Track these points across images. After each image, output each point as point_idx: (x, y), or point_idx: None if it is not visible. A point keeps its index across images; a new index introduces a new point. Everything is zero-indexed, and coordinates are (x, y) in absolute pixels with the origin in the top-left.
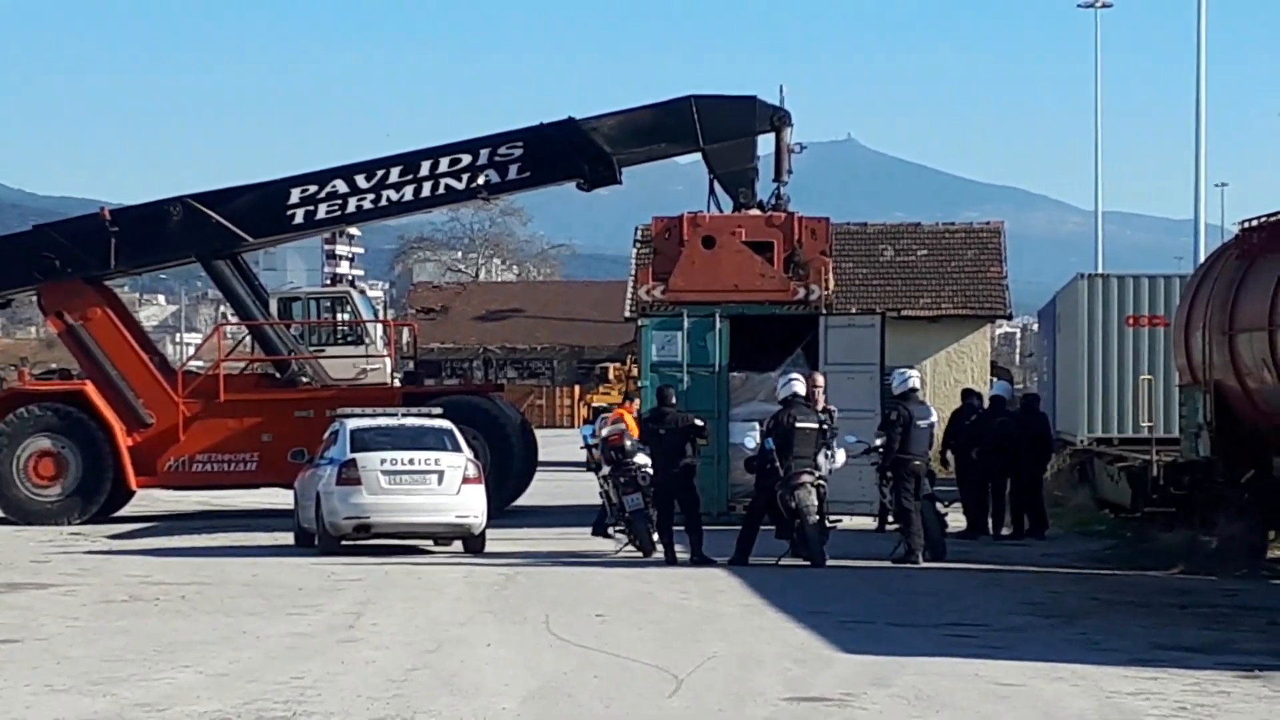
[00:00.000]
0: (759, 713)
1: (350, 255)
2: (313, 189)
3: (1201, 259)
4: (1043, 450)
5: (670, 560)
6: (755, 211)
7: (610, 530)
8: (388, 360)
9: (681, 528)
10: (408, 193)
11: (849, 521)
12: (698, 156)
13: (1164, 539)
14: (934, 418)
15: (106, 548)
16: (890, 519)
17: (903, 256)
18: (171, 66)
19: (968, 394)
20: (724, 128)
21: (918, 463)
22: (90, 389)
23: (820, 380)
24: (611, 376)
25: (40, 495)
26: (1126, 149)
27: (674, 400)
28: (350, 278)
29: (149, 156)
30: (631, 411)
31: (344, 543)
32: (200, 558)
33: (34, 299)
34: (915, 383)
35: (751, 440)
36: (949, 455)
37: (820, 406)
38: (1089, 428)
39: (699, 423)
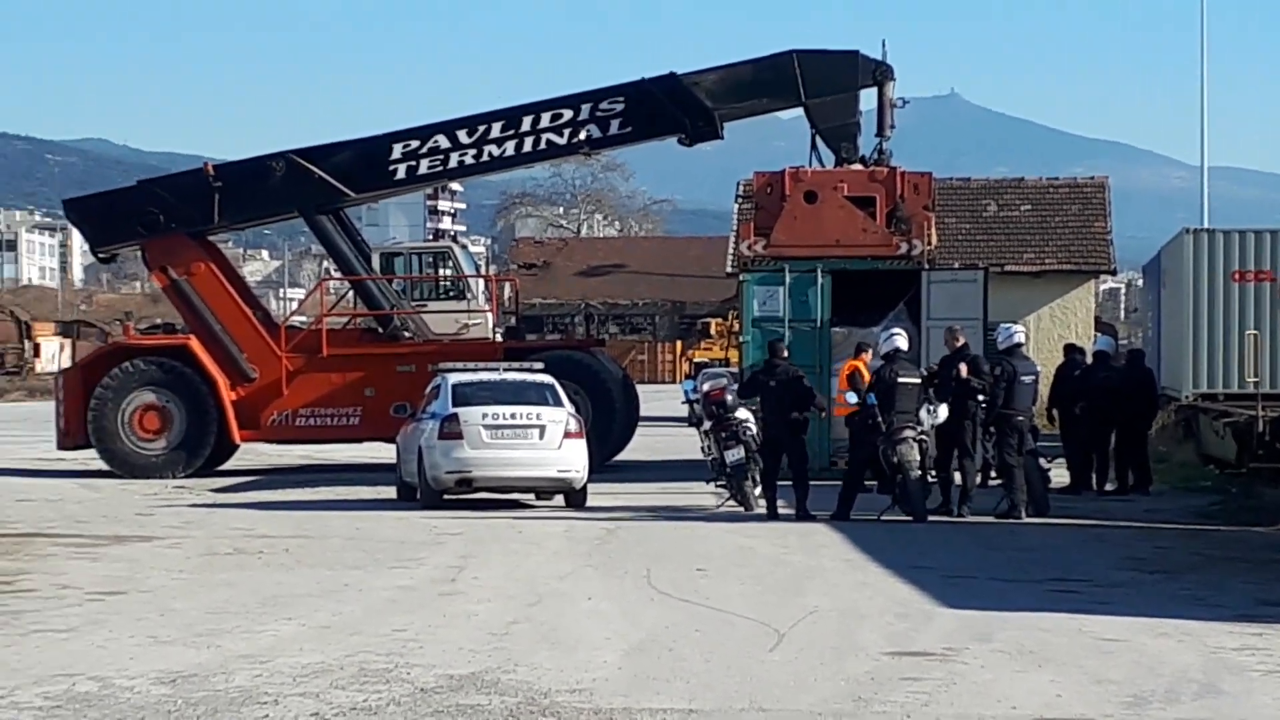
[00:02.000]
0: (860, 667)
1: (452, 210)
2: (415, 144)
3: None
4: (1149, 405)
5: (772, 515)
6: (857, 166)
7: (711, 484)
8: (489, 315)
9: (786, 482)
10: (509, 148)
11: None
12: (799, 111)
13: (1269, 494)
14: (1038, 373)
15: (210, 501)
16: (993, 474)
17: (1006, 211)
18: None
19: (1071, 349)
20: (826, 82)
21: (1021, 418)
22: (194, 343)
23: (963, 338)
24: (713, 332)
25: (145, 449)
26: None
27: (785, 354)
28: (452, 233)
29: (253, 112)
30: (865, 362)
31: (445, 497)
32: (303, 511)
33: (139, 254)
34: (1020, 338)
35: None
36: (1053, 411)
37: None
38: (1194, 383)
39: (808, 383)
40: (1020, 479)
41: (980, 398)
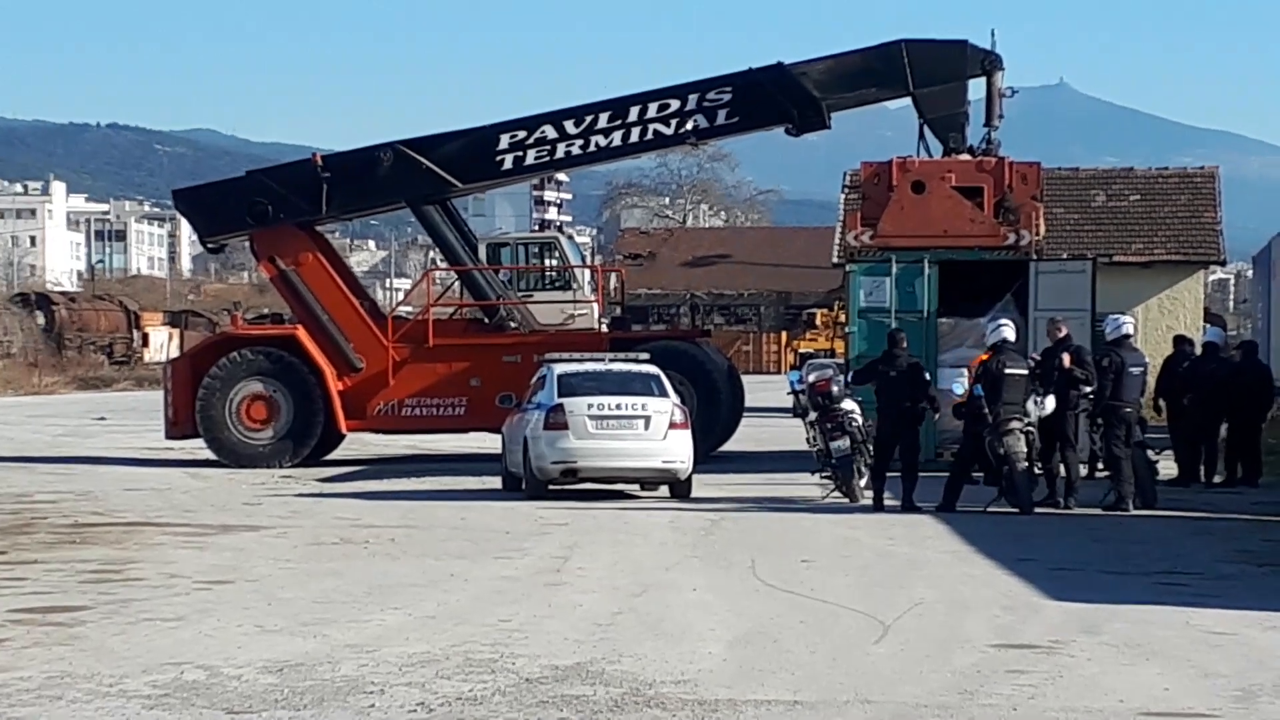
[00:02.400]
0: (967, 659)
1: (558, 201)
2: (522, 135)
3: None
4: (1264, 398)
5: (878, 506)
6: (965, 156)
7: (816, 476)
8: (595, 305)
9: (894, 474)
10: (616, 138)
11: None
12: (907, 101)
13: None
14: (1146, 364)
15: (317, 490)
16: (1100, 466)
17: (1114, 201)
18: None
19: (1180, 340)
20: (934, 72)
21: (1128, 410)
22: (301, 333)
23: (1064, 329)
24: (819, 322)
25: (252, 438)
26: None
27: (905, 344)
28: (558, 223)
29: (361, 104)
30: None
31: (551, 487)
32: (409, 501)
33: (247, 244)
34: (1128, 329)
35: (960, 386)
36: (1161, 402)
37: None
38: None
39: (927, 376)
40: (1128, 471)
41: (1085, 389)
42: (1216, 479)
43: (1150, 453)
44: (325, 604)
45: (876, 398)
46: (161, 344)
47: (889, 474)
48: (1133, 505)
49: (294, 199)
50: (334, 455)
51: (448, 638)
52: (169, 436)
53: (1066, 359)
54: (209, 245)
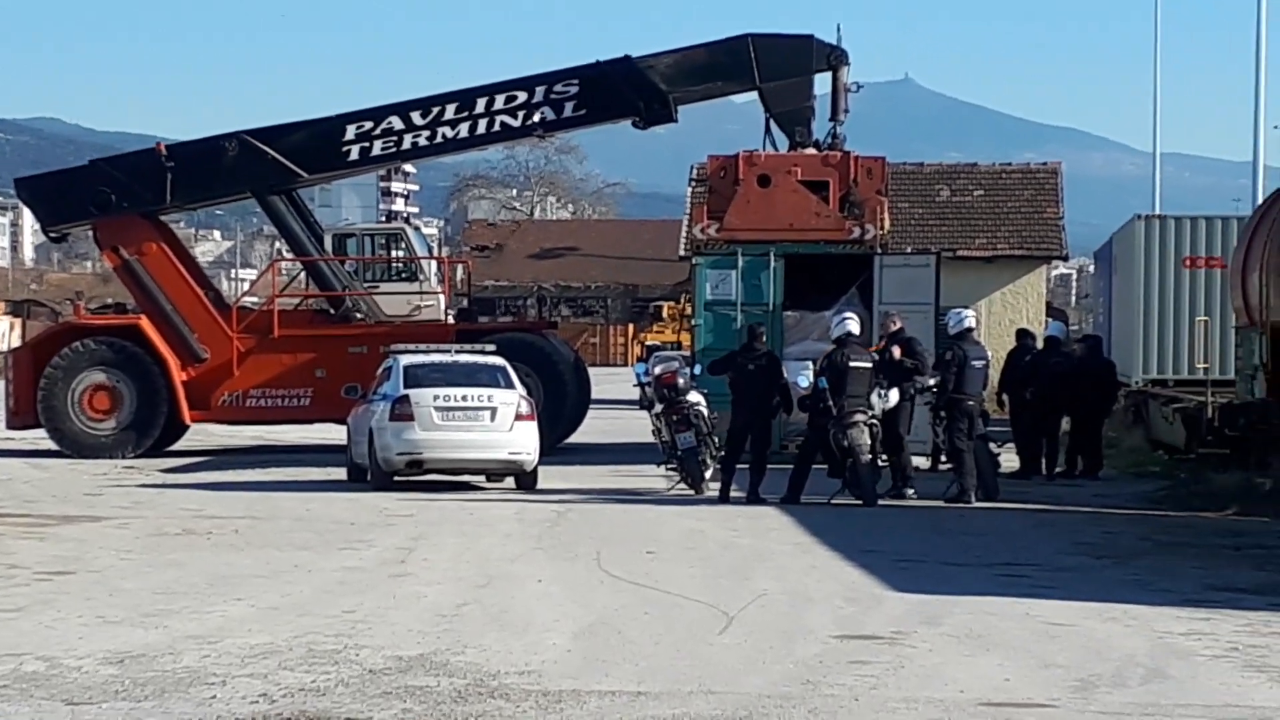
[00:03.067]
0: (809, 650)
1: (405, 192)
2: (368, 125)
3: (1260, 201)
4: (1108, 393)
5: (724, 497)
6: (811, 151)
7: (662, 467)
8: (442, 297)
9: (743, 465)
10: (463, 130)
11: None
12: (754, 95)
13: (1218, 480)
14: (988, 358)
15: (160, 481)
16: (943, 459)
17: (959, 197)
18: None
19: (1022, 334)
20: (780, 66)
21: (971, 403)
22: (145, 323)
23: (897, 323)
24: (665, 315)
25: (95, 429)
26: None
27: (764, 338)
28: (405, 214)
29: (206, 93)
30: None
31: (396, 478)
32: (253, 492)
33: (90, 234)
34: (971, 322)
35: (805, 379)
36: (1003, 396)
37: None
38: (1144, 369)
39: (784, 372)
40: (970, 463)
41: (925, 380)
42: (1058, 472)
43: (992, 446)
44: (167, 595)
45: (732, 390)
46: (3, 334)
47: (738, 466)
48: (975, 497)
49: (138, 188)
50: (178, 446)
51: (291, 629)
52: (10, 426)
53: (897, 350)
54: (52, 234)
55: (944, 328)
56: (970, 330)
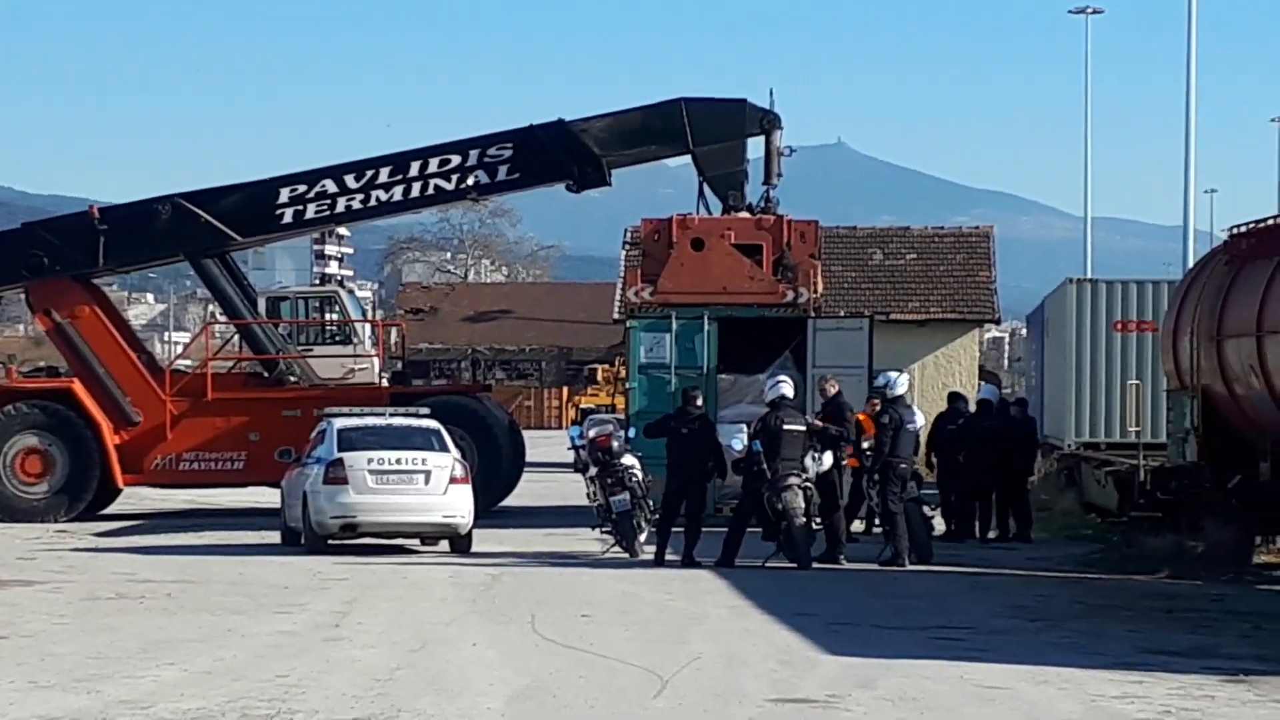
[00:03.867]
0: (743, 713)
1: (339, 255)
2: (302, 189)
3: (1191, 265)
4: (1029, 454)
5: (660, 560)
6: (744, 214)
7: (597, 531)
8: (376, 360)
9: (678, 529)
10: (397, 193)
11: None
12: (687, 159)
13: (1150, 543)
14: (921, 421)
15: (93, 545)
16: (877, 521)
17: (892, 260)
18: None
19: (954, 397)
20: (714, 130)
21: (904, 465)
22: (78, 387)
23: (835, 386)
24: (600, 378)
25: (27, 493)
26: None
27: (700, 401)
28: (339, 277)
29: (140, 157)
30: (870, 412)
31: (330, 542)
32: (186, 556)
33: (22, 297)
34: (905, 386)
35: (739, 442)
36: (933, 458)
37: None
38: (1076, 432)
39: (720, 436)
40: (903, 526)
41: (858, 444)
42: (991, 535)
43: (926, 508)
44: (100, 659)
45: (668, 453)
46: None
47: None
48: (909, 561)
49: (70, 251)
50: (111, 510)
51: (224, 693)
52: None
53: (818, 422)
54: None
55: (879, 391)
56: (904, 394)
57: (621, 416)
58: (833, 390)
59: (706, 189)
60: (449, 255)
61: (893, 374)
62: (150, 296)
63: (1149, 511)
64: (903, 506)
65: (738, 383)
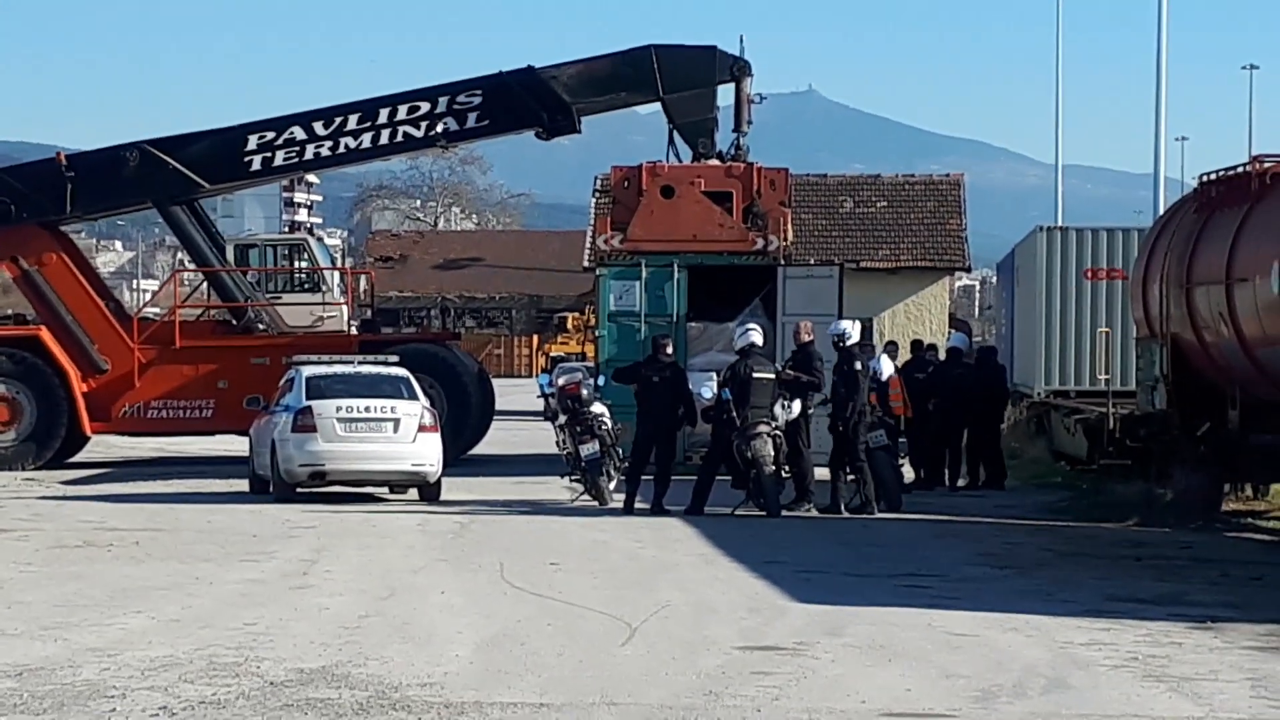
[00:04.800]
0: (712, 661)
1: (309, 203)
2: (270, 135)
3: (1161, 213)
4: (998, 402)
5: (629, 509)
6: (714, 162)
7: (566, 479)
8: (345, 308)
9: (648, 477)
10: (366, 140)
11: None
12: (658, 106)
13: (1120, 491)
14: (889, 369)
15: (60, 493)
16: (846, 470)
17: (862, 208)
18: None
19: (918, 345)
20: (684, 77)
21: (866, 413)
22: (45, 334)
23: (808, 332)
24: (570, 326)
25: None
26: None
27: (670, 350)
28: (308, 225)
29: (107, 102)
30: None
31: (299, 490)
32: (155, 504)
33: None
34: (857, 334)
35: (708, 390)
36: None
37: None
38: (1046, 380)
39: (689, 385)
40: (869, 473)
41: (822, 394)
42: (961, 483)
43: (894, 457)
44: (67, 607)
45: (638, 401)
46: None
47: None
48: (877, 508)
49: (37, 198)
50: (78, 458)
51: (192, 641)
52: None
53: (788, 370)
54: None
55: (835, 340)
56: (858, 340)
57: (591, 364)
58: (806, 337)
59: (676, 136)
60: (419, 203)
61: (844, 323)
62: (119, 244)
63: (1118, 459)
64: (868, 454)
65: (707, 330)
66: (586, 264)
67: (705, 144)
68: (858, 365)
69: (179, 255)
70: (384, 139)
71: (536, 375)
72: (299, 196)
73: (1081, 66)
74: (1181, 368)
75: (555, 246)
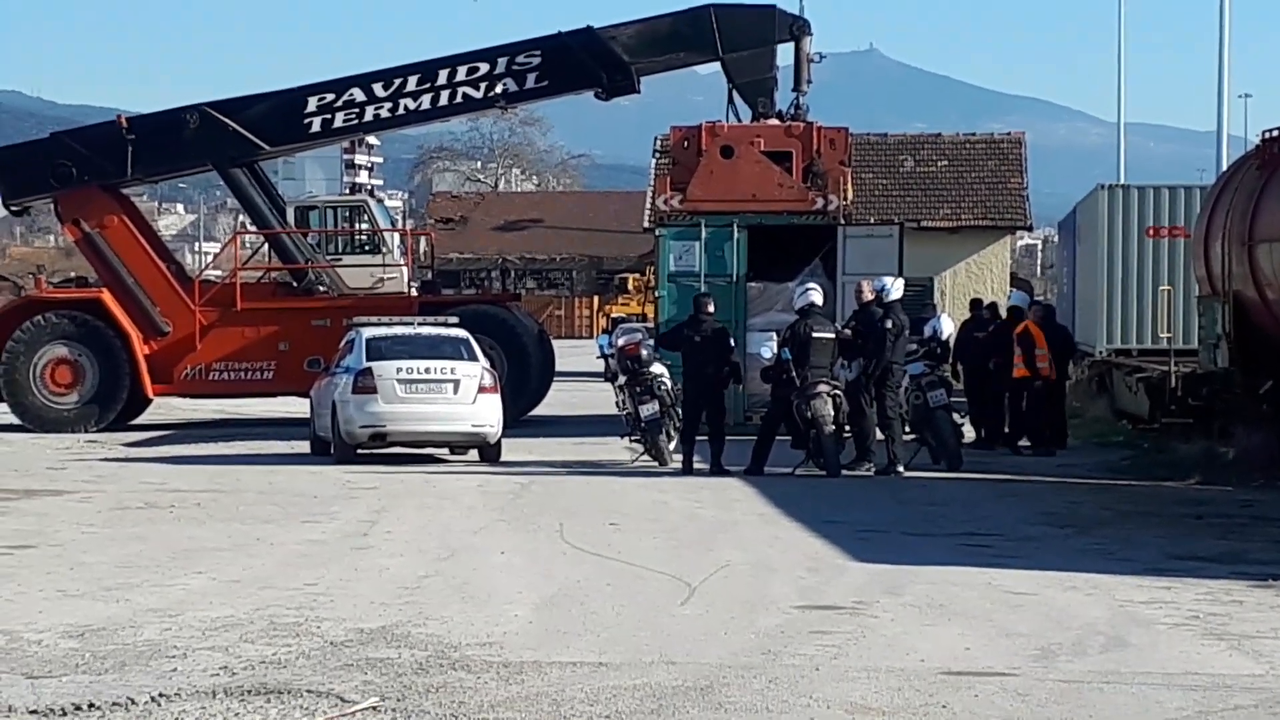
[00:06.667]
0: (771, 621)
1: (369, 164)
2: (330, 97)
3: (1223, 170)
4: (1063, 362)
5: (687, 469)
6: (774, 121)
7: (626, 440)
8: (405, 269)
9: (703, 437)
10: (425, 101)
11: None
12: (717, 66)
13: (1181, 450)
14: (950, 328)
15: (123, 455)
16: (907, 429)
17: (923, 167)
18: None
19: (976, 304)
20: (743, 37)
21: (900, 370)
22: (107, 297)
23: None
24: (630, 287)
25: (57, 403)
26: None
27: (711, 309)
28: (369, 187)
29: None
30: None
31: (359, 451)
32: (216, 466)
33: (52, 207)
34: (899, 291)
35: (768, 350)
36: (958, 366)
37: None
38: (1108, 339)
39: (733, 342)
40: (899, 432)
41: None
42: (1022, 442)
43: (956, 415)
44: (129, 568)
45: (683, 363)
46: None
47: (698, 437)
48: (902, 468)
49: (98, 161)
50: (140, 420)
51: (252, 601)
52: None
53: (846, 330)
54: (13, 208)
55: (879, 296)
56: (899, 298)
57: (651, 325)
58: (869, 296)
59: (736, 96)
60: (479, 164)
61: (886, 279)
62: (180, 207)
63: (1180, 418)
64: (900, 413)
65: (767, 290)
66: (646, 224)
67: (765, 103)
68: (888, 323)
69: (240, 218)
70: (443, 100)
71: (596, 336)
72: (359, 158)
73: (1145, 24)
74: (1244, 325)
75: (615, 207)
